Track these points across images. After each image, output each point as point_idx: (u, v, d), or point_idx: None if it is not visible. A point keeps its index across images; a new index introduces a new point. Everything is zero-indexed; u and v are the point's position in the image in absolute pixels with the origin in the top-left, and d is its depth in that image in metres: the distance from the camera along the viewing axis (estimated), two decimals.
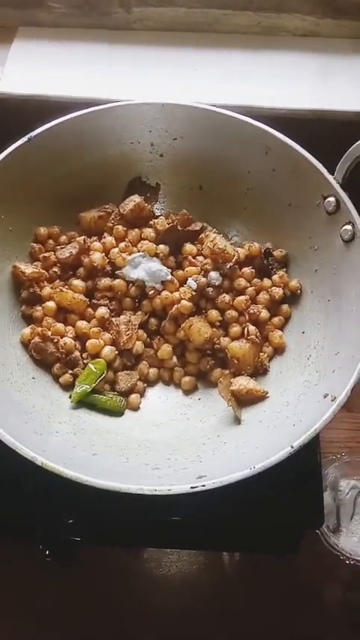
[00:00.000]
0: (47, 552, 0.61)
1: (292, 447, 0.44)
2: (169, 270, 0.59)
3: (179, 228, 0.60)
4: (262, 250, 0.60)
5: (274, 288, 0.59)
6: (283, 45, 0.69)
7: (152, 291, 0.59)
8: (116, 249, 0.59)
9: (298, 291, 0.59)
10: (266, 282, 0.60)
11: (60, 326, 0.57)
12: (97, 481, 0.43)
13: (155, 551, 0.67)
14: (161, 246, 0.60)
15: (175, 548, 0.67)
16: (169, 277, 0.59)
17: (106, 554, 0.65)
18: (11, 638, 0.63)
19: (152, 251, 0.59)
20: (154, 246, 0.60)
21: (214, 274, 0.59)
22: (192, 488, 0.43)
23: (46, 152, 0.57)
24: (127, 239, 0.60)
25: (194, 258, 0.60)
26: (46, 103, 0.65)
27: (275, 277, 0.59)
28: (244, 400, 0.55)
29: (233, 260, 0.58)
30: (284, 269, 0.60)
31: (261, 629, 0.63)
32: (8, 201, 0.56)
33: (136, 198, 0.60)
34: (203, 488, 0.43)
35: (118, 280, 0.59)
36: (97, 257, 0.59)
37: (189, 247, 0.60)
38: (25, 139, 0.56)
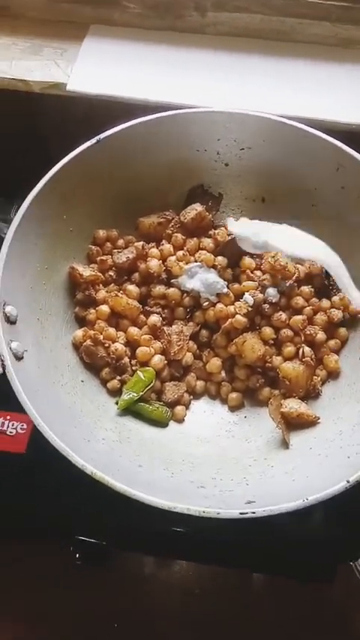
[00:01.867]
0: (77, 555, 0.61)
1: (349, 482, 0.42)
2: (226, 282, 0.58)
3: None
4: (324, 270, 0.58)
5: (332, 309, 0.57)
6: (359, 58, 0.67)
7: (207, 303, 0.58)
8: (173, 258, 0.59)
9: (359, 315, 0.57)
10: (325, 302, 0.58)
11: (112, 331, 0.56)
12: (145, 497, 0.42)
13: (185, 564, 0.66)
14: (219, 258, 0.59)
15: (206, 564, 0.66)
16: (225, 290, 0.58)
17: (135, 563, 0.65)
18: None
19: (210, 262, 0.58)
20: (213, 257, 0.58)
21: (272, 290, 0.57)
22: (241, 514, 0.41)
23: (112, 155, 0.57)
24: (185, 248, 0.59)
25: (252, 272, 0.59)
26: (113, 103, 0.64)
27: (335, 299, 0.57)
28: (293, 424, 0.53)
29: (293, 278, 0.57)
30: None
31: None
32: (72, 201, 0.56)
33: (197, 207, 0.59)
34: (253, 515, 0.41)
35: (173, 289, 0.58)
36: (153, 264, 0.58)
37: (248, 261, 0.59)
38: (93, 140, 0.55)
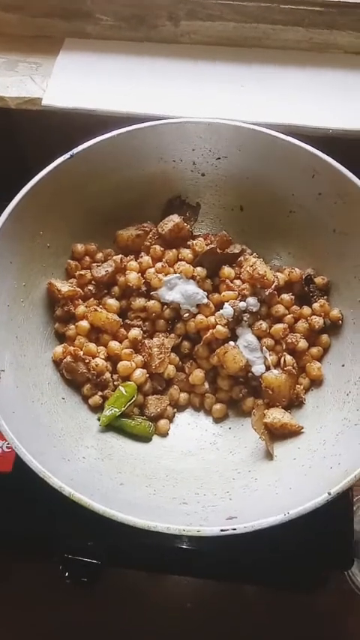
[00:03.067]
0: (67, 574, 0.61)
1: (330, 494, 0.42)
2: (206, 293, 0.58)
3: (218, 250, 0.59)
4: (303, 276, 0.58)
5: (313, 316, 0.57)
6: (334, 62, 0.66)
7: (187, 314, 0.57)
8: (152, 270, 0.58)
9: (340, 322, 0.56)
10: (306, 310, 0.58)
11: (92, 346, 0.56)
12: (124, 516, 0.41)
13: (176, 578, 0.66)
14: (198, 269, 0.58)
15: (197, 577, 0.65)
16: (205, 301, 0.57)
17: (125, 579, 0.64)
18: None
19: (189, 273, 0.58)
20: (192, 268, 0.58)
21: (251, 300, 0.57)
22: (222, 531, 0.41)
23: (87, 168, 0.57)
24: (164, 259, 0.59)
25: (232, 281, 0.58)
26: (89, 117, 0.64)
27: (315, 305, 0.57)
28: (277, 434, 0.53)
29: (272, 286, 0.56)
30: (325, 297, 0.58)
31: None
32: (48, 217, 0.56)
33: (175, 218, 0.59)
34: (234, 532, 0.41)
35: (152, 301, 0.58)
36: (132, 277, 0.57)
37: (227, 271, 0.58)
38: (67, 155, 0.55)
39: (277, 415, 0.53)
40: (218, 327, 0.56)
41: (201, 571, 0.62)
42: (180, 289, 0.57)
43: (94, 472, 0.48)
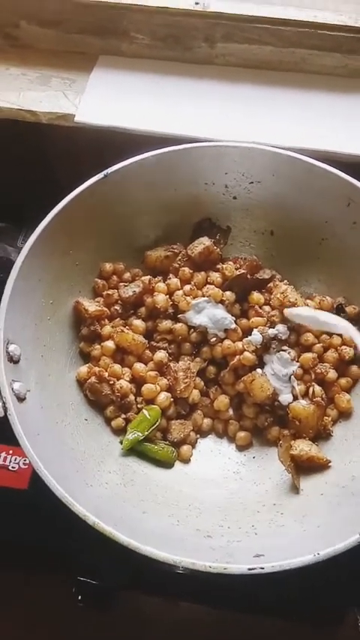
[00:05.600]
0: (80, 597, 0.59)
1: None
2: (234, 318, 0.57)
3: (248, 275, 0.58)
4: (334, 305, 0.57)
5: (344, 347, 0.56)
6: None
7: (214, 339, 0.56)
8: (180, 292, 0.57)
9: None
10: (336, 339, 0.56)
11: (117, 367, 0.55)
12: (149, 549, 0.40)
13: (189, 606, 0.64)
14: (227, 293, 0.57)
15: (214, 607, 0.63)
16: (233, 326, 0.56)
17: (139, 604, 0.63)
18: None
19: (218, 297, 0.57)
20: (220, 292, 0.57)
21: (281, 327, 0.56)
22: (249, 570, 0.40)
23: (119, 189, 0.56)
24: (192, 282, 0.58)
25: (261, 307, 0.57)
26: (121, 135, 0.64)
27: (346, 336, 0.56)
28: (303, 467, 0.51)
29: None
30: (357, 327, 0.56)
31: None
32: (78, 235, 0.55)
33: (205, 241, 0.58)
34: (262, 571, 0.40)
35: (179, 324, 0.57)
36: (160, 299, 0.57)
37: (256, 296, 0.58)
38: (101, 175, 0.55)
39: (304, 447, 0.51)
40: (246, 353, 0.55)
41: (219, 600, 0.61)
42: (208, 313, 0.57)
43: (117, 499, 0.47)
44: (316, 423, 0.53)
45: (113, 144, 0.63)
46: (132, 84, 0.68)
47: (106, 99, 0.67)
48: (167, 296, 0.57)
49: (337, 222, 0.57)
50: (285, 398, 0.54)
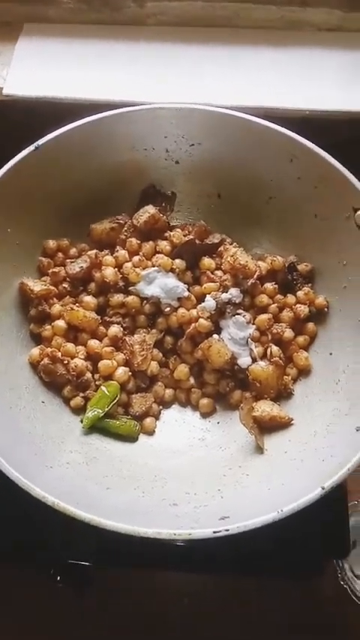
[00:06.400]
0: (59, 578, 0.59)
1: (323, 489, 0.41)
2: (186, 286, 0.56)
3: (197, 241, 0.57)
4: (286, 264, 0.56)
5: (298, 305, 0.55)
6: (308, 40, 0.64)
7: (168, 309, 0.55)
8: (129, 264, 0.56)
9: (325, 309, 0.55)
10: (290, 298, 0.56)
11: (70, 346, 0.53)
12: (112, 524, 0.40)
13: (170, 574, 0.64)
14: (177, 261, 0.56)
15: (191, 572, 0.64)
16: (186, 294, 0.55)
17: (118, 579, 0.62)
18: None
19: (168, 266, 0.56)
20: (170, 260, 0.56)
21: (234, 291, 0.55)
22: (215, 532, 0.39)
23: (54, 161, 0.54)
24: (140, 252, 0.57)
25: (212, 273, 0.56)
26: (53, 106, 0.61)
27: (300, 293, 0.56)
28: (267, 427, 0.51)
29: (255, 276, 0.55)
30: (310, 284, 0.56)
31: None
32: (15, 213, 0.53)
33: (150, 209, 0.57)
34: (227, 532, 0.39)
35: (131, 297, 0.55)
36: (109, 272, 0.55)
37: (207, 262, 0.56)
38: (32, 147, 0.52)
39: (265, 408, 0.51)
40: (201, 320, 0.54)
41: (195, 566, 0.61)
42: (159, 283, 0.55)
43: (80, 478, 0.46)
44: (277, 383, 0.53)
45: (47, 116, 0.60)
46: (61, 51, 0.65)
47: (34, 69, 0.64)
48: (116, 269, 0.56)
49: (282, 179, 0.56)
50: (244, 361, 0.54)
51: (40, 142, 0.52)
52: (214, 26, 0.65)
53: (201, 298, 0.56)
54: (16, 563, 0.61)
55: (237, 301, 0.55)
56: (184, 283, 0.56)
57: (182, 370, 0.55)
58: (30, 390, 0.52)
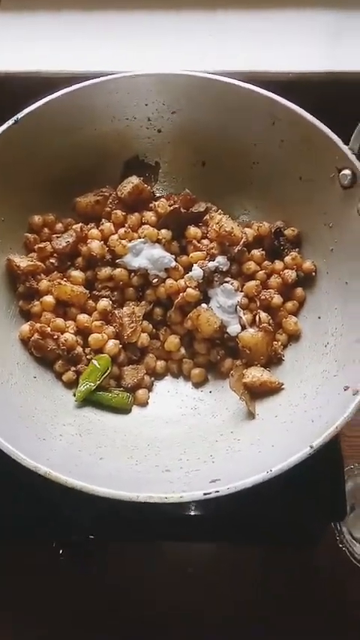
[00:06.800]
0: (61, 552, 0.60)
1: (312, 447, 0.41)
2: (173, 256, 0.56)
3: (182, 210, 0.56)
4: (272, 230, 0.56)
5: (286, 270, 0.55)
6: (289, 3, 0.63)
7: (156, 280, 0.55)
8: (115, 236, 0.56)
9: (313, 273, 0.54)
10: (278, 264, 0.56)
11: (60, 321, 0.54)
12: (104, 490, 0.40)
13: (171, 544, 0.65)
14: (163, 231, 0.56)
15: (191, 542, 0.65)
16: (173, 264, 0.55)
17: (123, 552, 0.64)
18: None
19: (154, 236, 0.55)
20: (156, 231, 0.56)
21: (221, 259, 0.55)
22: (205, 494, 0.40)
23: (35, 134, 0.53)
24: (126, 224, 0.56)
25: (199, 241, 0.56)
26: (32, 80, 0.60)
27: (287, 259, 0.55)
28: (257, 393, 0.51)
29: (241, 242, 0.54)
30: (297, 249, 0.56)
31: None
32: None
33: (134, 180, 0.56)
34: (217, 494, 0.40)
35: (119, 269, 0.55)
36: (95, 245, 0.55)
37: (193, 231, 0.56)
38: (11, 121, 0.52)
39: (255, 374, 0.52)
40: (189, 290, 0.54)
41: (195, 535, 0.62)
42: (146, 254, 0.55)
43: (73, 449, 0.47)
44: (266, 349, 0.53)
45: (25, 91, 0.59)
46: (40, 23, 0.64)
47: (13, 42, 0.63)
48: (102, 242, 0.56)
49: (265, 143, 0.55)
50: (233, 329, 0.54)
51: (20, 115, 0.52)
52: None
53: (188, 268, 0.55)
54: (18, 539, 0.63)
55: (224, 269, 0.55)
56: (171, 253, 0.56)
57: (173, 341, 0.55)
58: (21, 366, 0.52)
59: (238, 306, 0.54)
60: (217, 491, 0.40)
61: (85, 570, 0.63)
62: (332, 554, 0.62)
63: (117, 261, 0.55)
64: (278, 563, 0.63)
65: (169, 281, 0.55)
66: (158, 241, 0.56)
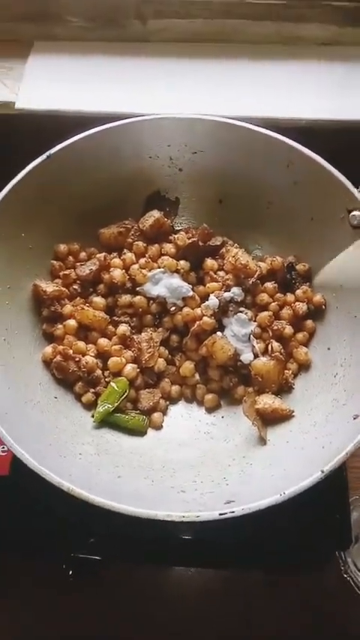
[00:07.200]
0: (70, 572, 0.61)
1: (323, 472, 0.43)
2: (190, 286, 0.59)
3: (200, 243, 0.59)
4: (285, 264, 0.59)
5: (297, 303, 0.58)
6: (303, 54, 0.68)
7: (174, 308, 0.58)
8: (136, 266, 0.59)
9: (323, 307, 0.57)
10: (289, 296, 0.59)
11: (81, 344, 0.56)
12: (124, 507, 0.42)
13: (180, 570, 0.66)
14: (182, 262, 0.59)
15: (195, 567, 0.66)
16: (190, 293, 0.58)
17: (128, 573, 0.64)
18: None
19: (173, 267, 0.58)
20: (175, 262, 0.59)
21: (236, 290, 0.58)
22: (220, 515, 0.42)
23: (65, 169, 0.57)
24: (147, 255, 0.60)
25: (215, 273, 0.59)
26: (63, 118, 0.64)
27: (298, 292, 0.58)
28: (269, 419, 0.54)
29: (255, 275, 0.58)
30: (307, 283, 0.59)
31: None
32: (28, 219, 0.56)
33: (155, 214, 0.60)
34: (232, 514, 0.42)
35: (138, 297, 0.58)
36: (117, 274, 0.58)
37: (210, 263, 0.59)
38: (44, 156, 0.55)
39: (267, 401, 0.54)
40: (205, 318, 0.57)
41: (200, 561, 0.63)
42: (165, 283, 0.58)
43: (92, 467, 0.49)
44: (278, 377, 0.55)
45: (57, 128, 0.63)
46: (69, 67, 0.69)
47: (45, 84, 0.67)
48: (124, 271, 0.59)
49: (280, 184, 0.58)
50: (246, 357, 0.56)
51: (52, 151, 0.55)
52: (213, 41, 0.68)
53: (205, 297, 0.58)
54: (28, 558, 0.63)
55: (239, 300, 0.58)
56: (189, 283, 0.59)
57: (188, 367, 0.58)
58: (43, 387, 0.54)
59: (251, 335, 0.57)
60: (233, 512, 0.42)
61: (91, 588, 0.64)
62: (336, 584, 0.63)
63: (137, 289, 0.58)
64: (282, 591, 0.64)
65: (186, 309, 0.58)
66: (177, 271, 0.59)
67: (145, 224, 0.60)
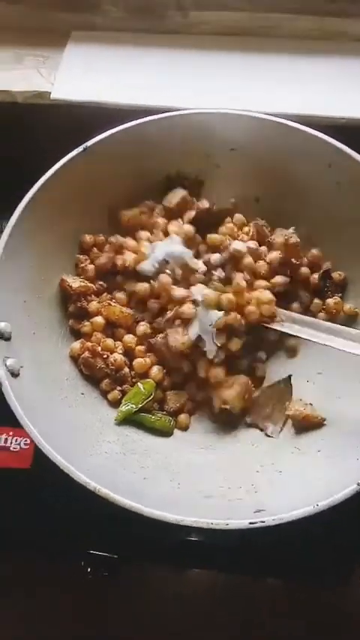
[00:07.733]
0: (89, 570, 0.60)
1: (359, 485, 0.41)
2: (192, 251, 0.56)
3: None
4: (321, 271, 0.57)
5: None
6: (346, 50, 0.66)
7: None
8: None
9: (359, 318, 0.55)
10: (316, 303, 0.57)
11: (110, 341, 0.55)
12: (151, 511, 0.41)
13: (197, 572, 0.65)
14: (186, 226, 0.57)
15: (215, 570, 0.65)
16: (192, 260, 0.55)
17: (147, 573, 0.64)
18: None
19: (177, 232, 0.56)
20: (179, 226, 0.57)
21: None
22: (251, 523, 0.40)
23: (100, 162, 0.56)
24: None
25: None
26: (99, 110, 0.63)
27: (329, 301, 0.56)
28: (299, 426, 0.52)
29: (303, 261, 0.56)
30: (340, 294, 0.57)
31: None
32: (63, 211, 0.55)
33: (180, 192, 0.58)
34: (262, 524, 0.40)
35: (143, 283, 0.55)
36: (128, 257, 0.56)
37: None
38: (80, 148, 0.54)
39: (299, 407, 0.52)
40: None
41: (220, 564, 0.62)
42: (165, 250, 0.55)
43: (117, 466, 0.48)
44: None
45: (92, 119, 0.62)
46: (107, 58, 0.68)
47: (81, 74, 0.66)
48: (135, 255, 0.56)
49: (320, 184, 0.56)
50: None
51: (89, 143, 0.54)
52: (256, 36, 0.66)
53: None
54: (46, 554, 0.63)
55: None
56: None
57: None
58: (70, 382, 0.54)
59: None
60: (263, 522, 0.41)
61: (111, 587, 0.63)
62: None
63: (136, 267, 0.56)
64: (304, 603, 0.63)
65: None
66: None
67: (172, 202, 0.58)
